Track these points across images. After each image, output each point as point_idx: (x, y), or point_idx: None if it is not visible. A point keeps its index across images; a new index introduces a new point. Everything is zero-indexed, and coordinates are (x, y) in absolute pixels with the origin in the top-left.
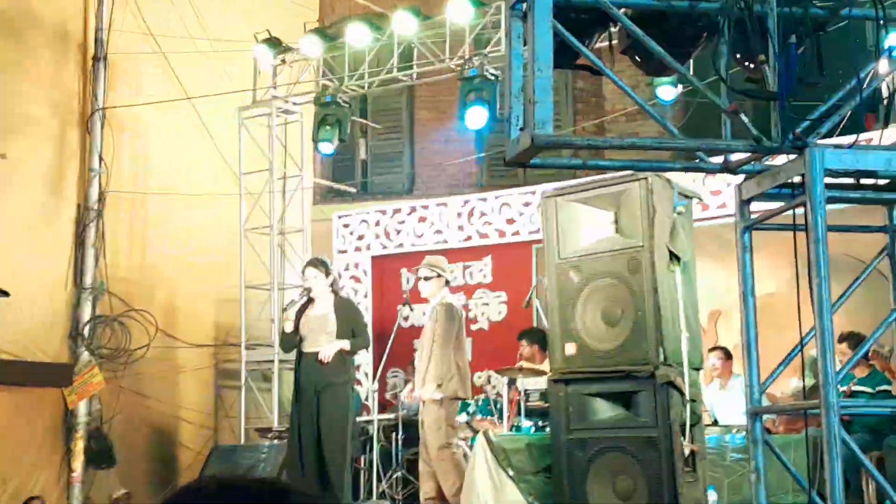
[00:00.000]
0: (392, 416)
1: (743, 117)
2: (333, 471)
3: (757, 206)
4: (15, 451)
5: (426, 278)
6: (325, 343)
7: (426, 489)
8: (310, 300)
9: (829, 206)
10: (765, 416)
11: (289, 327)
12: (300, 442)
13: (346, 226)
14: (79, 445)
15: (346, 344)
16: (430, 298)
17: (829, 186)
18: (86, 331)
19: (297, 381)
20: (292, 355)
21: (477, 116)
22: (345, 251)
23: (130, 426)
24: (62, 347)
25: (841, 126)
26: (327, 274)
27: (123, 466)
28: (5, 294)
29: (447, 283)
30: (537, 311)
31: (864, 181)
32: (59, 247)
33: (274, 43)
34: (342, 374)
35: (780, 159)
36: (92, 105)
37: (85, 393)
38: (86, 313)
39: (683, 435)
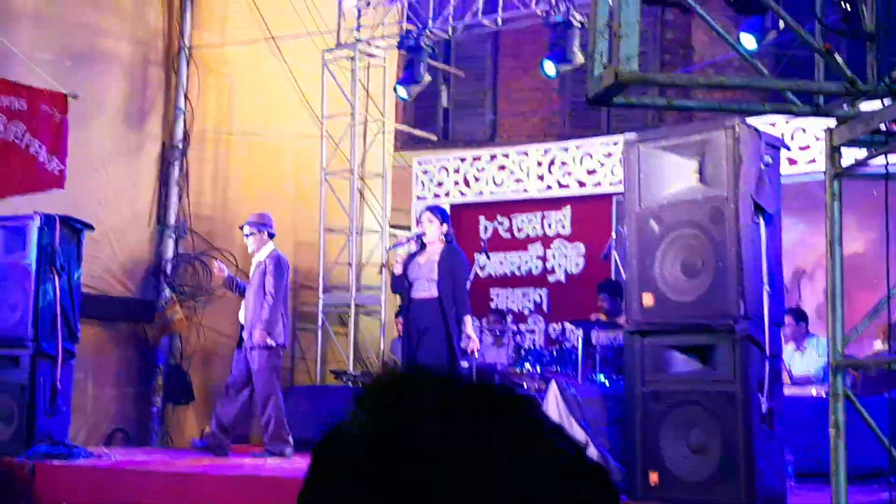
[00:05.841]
0: (465, 364)
1: (837, 57)
2: None
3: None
4: (96, 384)
5: (247, 235)
6: (427, 288)
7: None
8: (423, 246)
9: None
10: None
11: (397, 270)
12: None
13: (425, 172)
14: (159, 381)
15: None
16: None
17: None
18: (168, 268)
19: (406, 325)
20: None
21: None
22: (424, 197)
23: (208, 364)
24: (144, 284)
25: None
26: (441, 222)
27: (201, 403)
28: (90, 227)
29: (271, 237)
30: (616, 264)
31: None
32: (142, 184)
33: None
34: (441, 324)
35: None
36: (178, 43)
37: (166, 329)
38: (168, 250)
39: (762, 392)
